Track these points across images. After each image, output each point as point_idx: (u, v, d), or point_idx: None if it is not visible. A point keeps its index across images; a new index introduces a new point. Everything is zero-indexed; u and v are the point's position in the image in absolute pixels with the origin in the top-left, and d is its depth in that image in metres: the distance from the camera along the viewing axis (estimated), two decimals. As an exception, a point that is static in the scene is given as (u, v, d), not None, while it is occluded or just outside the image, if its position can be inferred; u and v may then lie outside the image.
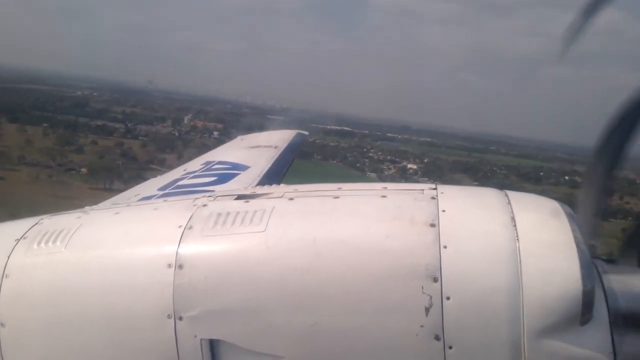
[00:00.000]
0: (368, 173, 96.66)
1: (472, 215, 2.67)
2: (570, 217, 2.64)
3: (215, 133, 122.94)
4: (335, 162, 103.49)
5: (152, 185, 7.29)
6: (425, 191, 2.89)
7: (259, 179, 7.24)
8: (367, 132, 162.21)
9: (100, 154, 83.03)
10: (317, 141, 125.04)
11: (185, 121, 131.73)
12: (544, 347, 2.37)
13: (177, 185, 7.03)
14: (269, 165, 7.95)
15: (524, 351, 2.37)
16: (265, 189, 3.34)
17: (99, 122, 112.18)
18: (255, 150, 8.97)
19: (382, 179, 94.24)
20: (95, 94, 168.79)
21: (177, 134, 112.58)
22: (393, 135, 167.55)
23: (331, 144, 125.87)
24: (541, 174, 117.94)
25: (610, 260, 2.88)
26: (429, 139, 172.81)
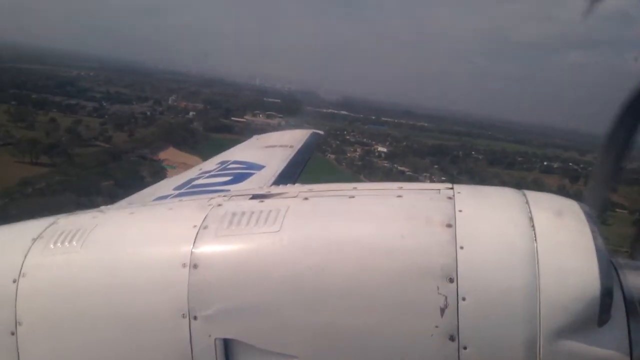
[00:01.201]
0: (328, 155, 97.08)
1: (489, 216, 2.67)
2: (589, 217, 2.62)
3: (191, 113, 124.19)
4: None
5: (167, 185, 7.41)
6: (441, 191, 2.89)
7: (274, 178, 7.34)
8: (361, 115, 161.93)
9: (48, 130, 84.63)
10: (296, 122, 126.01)
11: (170, 102, 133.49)
12: (560, 348, 2.36)
13: (193, 184, 7.14)
14: (284, 165, 8.06)
15: (540, 352, 2.37)
16: (280, 188, 3.36)
17: (73, 101, 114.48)
18: (270, 150, 9.06)
19: (339, 161, 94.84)
20: (92, 73, 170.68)
21: (148, 113, 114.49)
22: (388, 119, 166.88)
23: (307, 125, 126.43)
24: (519, 159, 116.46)
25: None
26: (425, 124, 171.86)
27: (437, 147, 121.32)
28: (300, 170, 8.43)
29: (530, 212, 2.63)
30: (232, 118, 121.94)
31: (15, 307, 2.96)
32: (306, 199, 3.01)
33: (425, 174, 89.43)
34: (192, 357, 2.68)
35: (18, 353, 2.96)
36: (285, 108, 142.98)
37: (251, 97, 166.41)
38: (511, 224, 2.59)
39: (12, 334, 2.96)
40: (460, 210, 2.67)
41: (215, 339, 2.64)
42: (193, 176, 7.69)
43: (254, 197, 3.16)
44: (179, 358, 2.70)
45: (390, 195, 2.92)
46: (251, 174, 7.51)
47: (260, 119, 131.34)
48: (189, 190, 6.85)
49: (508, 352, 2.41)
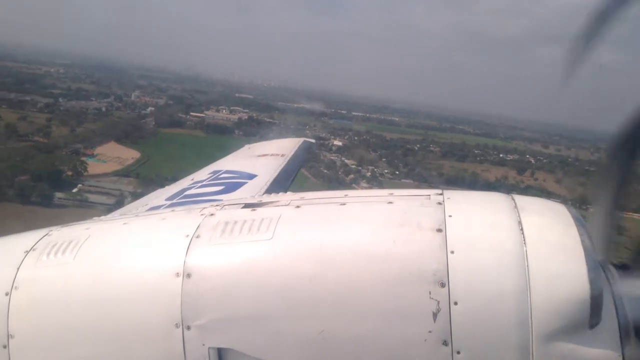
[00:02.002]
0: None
1: (478, 220, 2.69)
2: (578, 221, 2.66)
3: (149, 109, 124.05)
4: (256, 138, 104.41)
5: (160, 195, 7.47)
6: (431, 197, 2.93)
7: (266, 187, 7.42)
8: (332, 110, 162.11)
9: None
10: (260, 117, 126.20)
11: (133, 98, 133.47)
12: (553, 351, 2.39)
13: (185, 194, 7.22)
14: (276, 174, 8.16)
15: (532, 355, 2.40)
16: (272, 197, 3.38)
17: (28, 98, 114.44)
18: (262, 158, 9.15)
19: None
20: (61, 70, 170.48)
21: (103, 109, 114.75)
22: (359, 114, 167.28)
23: (268, 119, 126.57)
24: (476, 151, 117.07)
25: (623, 267, 2.86)
26: (396, 118, 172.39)
27: (395, 140, 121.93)
28: (292, 178, 8.57)
29: (519, 216, 2.67)
30: (191, 114, 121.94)
31: (8, 320, 2.96)
32: (298, 207, 3.04)
33: (368, 167, 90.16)
34: None
35: None
36: (255, 103, 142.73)
37: (223, 93, 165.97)
38: (500, 228, 2.62)
39: (4, 347, 2.96)
40: (450, 216, 2.71)
41: (208, 349, 2.67)
42: (185, 186, 7.77)
43: (246, 206, 3.18)
44: None
45: (381, 201, 2.96)
46: (243, 183, 7.58)
47: (223, 114, 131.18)
48: (182, 200, 6.95)
49: (501, 356, 2.44)
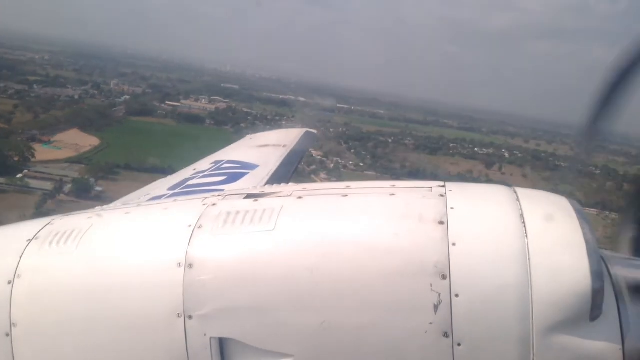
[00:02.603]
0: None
1: (480, 213, 2.71)
2: (580, 214, 2.68)
3: (124, 97, 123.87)
4: (227, 127, 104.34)
5: (162, 185, 7.48)
6: (433, 189, 2.93)
7: (267, 177, 7.47)
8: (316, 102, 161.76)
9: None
10: (233, 106, 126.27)
11: (112, 86, 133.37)
12: (554, 343, 2.40)
13: (187, 184, 7.24)
14: (278, 164, 8.21)
15: (533, 347, 2.40)
16: (274, 188, 3.39)
17: (1, 84, 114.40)
18: (264, 149, 9.16)
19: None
20: (46, 57, 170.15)
21: (76, 97, 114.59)
22: (344, 106, 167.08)
23: (245, 109, 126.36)
24: (451, 145, 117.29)
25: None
26: (382, 111, 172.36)
27: (371, 133, 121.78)
28: (294, 169, 8.63)
29: (521, 208, 2.68)
30: (166, 102, 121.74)
31: (10, 308, 3.00)
32: (300, 198, 3.05)
33: (335, 158, 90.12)
34: (187, 356, 2.71)
35: (13, 355, 2.98)
36: (237, 94, 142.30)
37: (210, 83, 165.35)
38: (502, 220, 2.64)
39: (7, 335, 2.99)
40: (452, 208, 2.72)
41: (210, 338, 2.68)
42: (187, 176, 7.79)
43: (248, 196, 3.19)
44: (175, 357, 2.73)
45: (383, 193, 2.98)
46: (245, 174, 7.63)
47: (202, 103, 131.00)
48: (184, 190, 6.95)
49: (502, 348, 2.45)
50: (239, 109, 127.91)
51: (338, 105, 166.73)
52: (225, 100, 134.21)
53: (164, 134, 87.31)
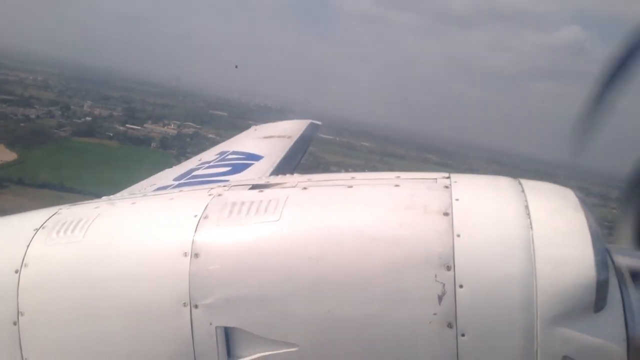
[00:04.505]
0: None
1: (485, 204, 2.71)
2: (585, 205, 2.68)
3: (84, 119, 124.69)
4: (172, 151, 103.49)
5: (168, 175, 7.53)
6: (438, 180, 2.94)
7: (272, 168, 7.53)
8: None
9: None
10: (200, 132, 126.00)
11: (85, 107, 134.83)
12: (558, 335, 2.40)
13: (193, 175, 7.32)
14: (283, 155, 8.30)
15: (537, 338, 2.41)
16: (279, 178, 3.40)
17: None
18: (269, 140, 9.24)
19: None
20: (39, 78, 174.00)
21: (32, 116, 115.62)
22: (327, 137, 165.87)
23: (211, 135, 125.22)
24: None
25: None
26: (366, 144, 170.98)
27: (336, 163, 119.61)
28: (299, 160, 8.77)
29: (526, 200, 2.67)
30: (127, 125, 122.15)
31: (18, 297, 3.01)
32: (305, 188, 3.05)
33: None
34: (193, 345, 2.73)
35: (20, 343, 3.00)
36: (220, 120, 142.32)
37: (195, 108, 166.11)
38: (507, 212, 2.63)
39: (14, 324, 3.00)
40: (457, 199, 2.71)
41: (216, 327, 2.69)
42: (193, 167, 7.89)
43: (254, 187, 3.20)
44: (180, 346, 2.75)
45: (388, 184, 2.98)
46: (250, 165, 7.67)
47: (167, 128, 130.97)
48: (189, 180, 7.00)
49: (506, 339, 2.45)
50: (205, 135, 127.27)
51: (321, 135, 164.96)
52: (198, 127, 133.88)
53: (97, 154, 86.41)
